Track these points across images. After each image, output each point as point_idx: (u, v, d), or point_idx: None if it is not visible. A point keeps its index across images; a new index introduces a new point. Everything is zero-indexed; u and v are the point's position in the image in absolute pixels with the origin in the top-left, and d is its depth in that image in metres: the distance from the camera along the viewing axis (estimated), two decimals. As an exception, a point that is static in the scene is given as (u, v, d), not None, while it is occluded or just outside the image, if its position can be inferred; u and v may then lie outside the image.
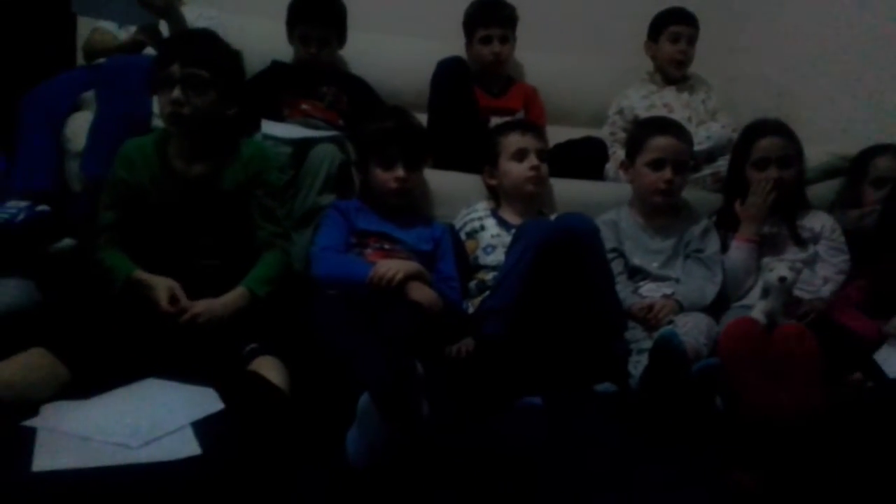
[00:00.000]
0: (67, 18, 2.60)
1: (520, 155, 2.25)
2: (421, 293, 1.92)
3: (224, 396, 1.51)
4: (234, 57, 1.99)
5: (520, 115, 2.74)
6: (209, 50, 1.91)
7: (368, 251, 2.05)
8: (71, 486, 1.23)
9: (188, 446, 1.39)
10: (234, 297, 1.84)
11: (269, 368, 1.61)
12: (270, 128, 2.26)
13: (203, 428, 1.45)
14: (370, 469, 1.31)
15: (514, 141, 2.27)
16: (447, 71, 2.66)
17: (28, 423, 1.42)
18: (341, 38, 2.68)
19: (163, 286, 1.79)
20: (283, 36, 2.64)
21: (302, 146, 2.23)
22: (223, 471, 1.31)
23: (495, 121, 2.64)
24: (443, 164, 2.49)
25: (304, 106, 2.52)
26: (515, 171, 2.25)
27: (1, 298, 1.83)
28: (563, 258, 1.85)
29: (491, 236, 2.20)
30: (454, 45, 2.81)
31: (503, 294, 1.90)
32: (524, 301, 1.85)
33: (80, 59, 2.62)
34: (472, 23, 2.79)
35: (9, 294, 1.86)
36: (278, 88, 2.56)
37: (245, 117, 2.10)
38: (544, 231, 1.92)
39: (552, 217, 2.20)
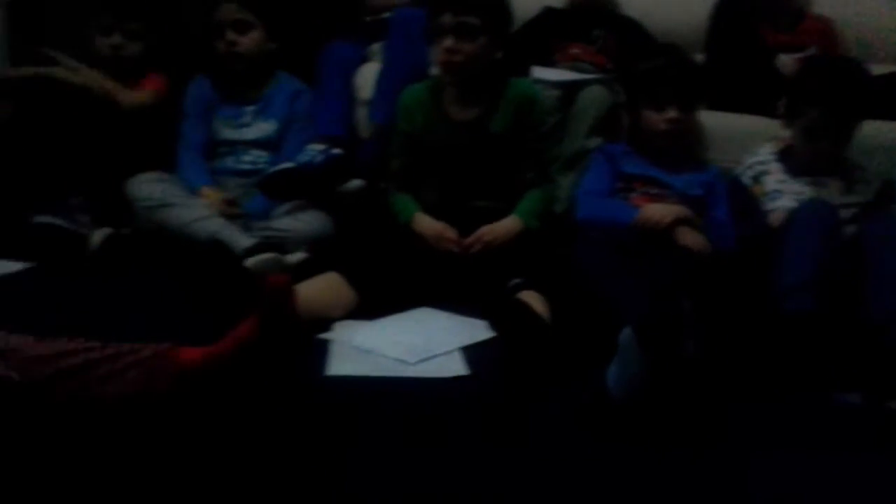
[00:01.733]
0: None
1: None
2: (690, 238, 1.85)
3: (491, 322, 1.59)
4: (502, 0, 2.04)
5: (811, 51, 2.48)
6: None
7: (634, 195, 2.01)
8: (356, 390, 1.40)
9: (457, 366, 1.50)
10: (508, 223, 1.96)
11: (531, 301, 1.67)
12: (540, 72, 2.29)
13: (471, 352, 1.56)
14: (628, 402, 1.30)
15: None
16: (728, 6, 2.49)
17: (323, 335, 1.63)
18: (614, -21, 2.62)
19: (437, 225, 1.95)
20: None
21: (570, 89, 2.23)
22: (487, 390, 1.39)
23: (783, 59, 2.42)
24: (721, 105, 2.35)
25: (574, 50, 2.50)
26: None
27: (303, 227, 2.11)
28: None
29: (776, 181, 2.03)
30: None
31: (796, 271, 1.70)
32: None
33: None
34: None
35: (310, 223, 2.13)
36: (549, 34, 2.57)
37: (513, 62, 2.15)
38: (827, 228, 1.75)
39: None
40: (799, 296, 1.68)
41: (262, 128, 2.36)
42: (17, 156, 2.27)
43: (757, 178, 2.06)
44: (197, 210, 2.08)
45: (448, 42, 1.93)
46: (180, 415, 1.17)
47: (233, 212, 2.18)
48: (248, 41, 2.30)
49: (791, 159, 2.05)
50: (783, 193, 1.99)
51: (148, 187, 2.13)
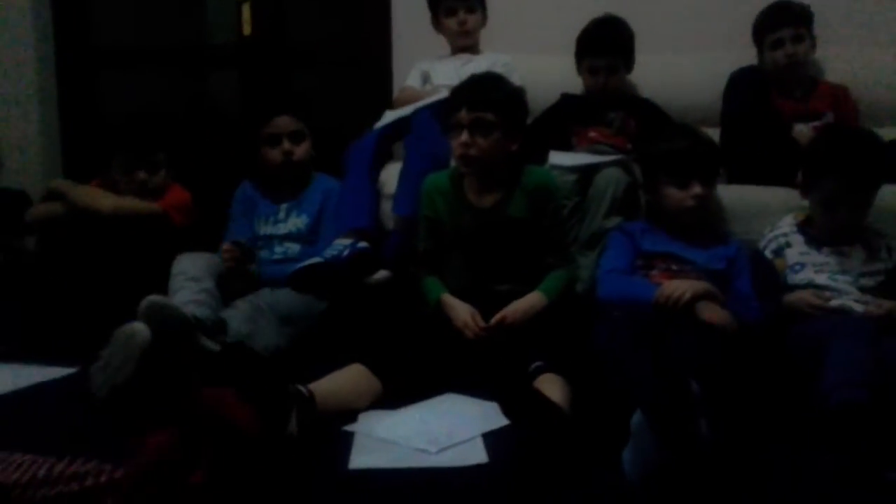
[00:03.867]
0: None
1: None
2: (712, 312, 1.85)
3: (507, 411, 1.60)
4: (517, 96, 2.13)
5: (828, 118, 2.51)
6: (493, 93, 2.06)
7: (654, 272, 2.03)
8: (379, 483, 1.41)
9: (477, 454, 1.51)
10: (531, 298, 2.01)
11: (551, 385, 1.68)
12: (557, 158, 2.36)
13: (492, 439, 1.57)
14: (645, 486, 1.29)
15: None
16: (741, 81, 2.56)
17: (348, 427, 1.65)
18: (629, 63, 2.69)
19: (463, 310, 1.99)
20: (573, 69, 2.72)
21: (587, 172, 2.28)
22: (506, 479, 1.39)
23: (799, 128, 2.45)
24: (738, 179, 2.38)
25: (591, 134, 2.57)
26: None
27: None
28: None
29: (799, 254, 2.03)
30: (744, 56, 2.68)
31: (848, 368, 1.60)
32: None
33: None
34: (762, 29, 2.62)
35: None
36: (568, 119, 2.65)
37: (531, 150, 2.22)
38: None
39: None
40: (852, 390, 1.56)
41: (295, 222, 2.51)
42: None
43: (779, 252, 2.07)
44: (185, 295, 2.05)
45: (464, 137, 2.01)
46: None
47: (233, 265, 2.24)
48: (302, 150, 2.51)
49: (812, 230, 2.05)
50: (805, 265, 1.99)
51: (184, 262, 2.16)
